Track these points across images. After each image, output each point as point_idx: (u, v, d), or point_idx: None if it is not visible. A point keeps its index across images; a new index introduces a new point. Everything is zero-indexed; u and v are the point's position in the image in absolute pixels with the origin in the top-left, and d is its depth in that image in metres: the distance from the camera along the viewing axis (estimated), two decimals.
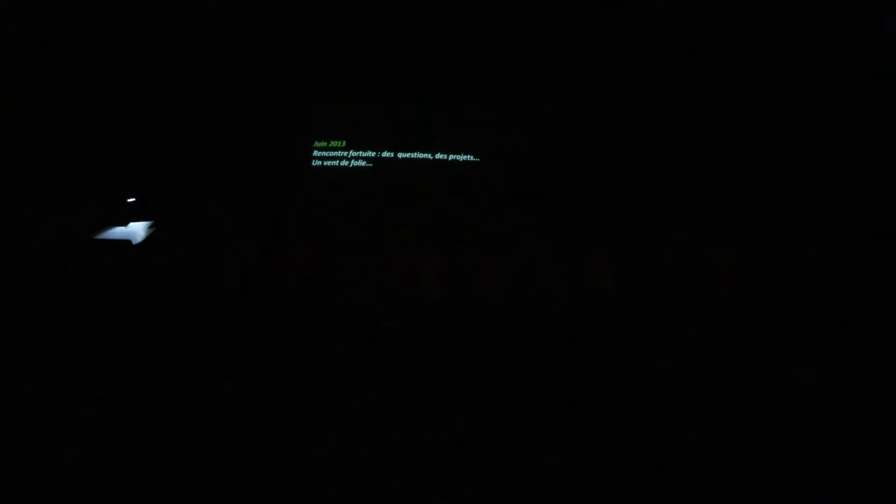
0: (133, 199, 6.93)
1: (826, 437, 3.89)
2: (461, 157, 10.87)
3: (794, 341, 7.67)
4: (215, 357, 6.30)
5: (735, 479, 3.03)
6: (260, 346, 6.43)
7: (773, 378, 6.13)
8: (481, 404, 4.75)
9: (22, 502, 2.55)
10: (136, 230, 3.62)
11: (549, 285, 6.57)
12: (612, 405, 4.73)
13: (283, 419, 4.13)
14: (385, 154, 10.81)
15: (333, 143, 10.84)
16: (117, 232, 3.66)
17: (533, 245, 7.74)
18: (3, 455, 2.93)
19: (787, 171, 9.06)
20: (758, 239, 7.34)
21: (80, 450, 3.08)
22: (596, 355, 6.52)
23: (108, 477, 2.82)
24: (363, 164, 10.71)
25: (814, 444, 3.62)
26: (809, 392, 5.66)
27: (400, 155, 10.81)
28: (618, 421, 4.17)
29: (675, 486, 2.94)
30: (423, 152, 11.11)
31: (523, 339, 7.59)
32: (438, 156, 10.88)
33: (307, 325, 6.38)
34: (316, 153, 10.64)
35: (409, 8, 8.71)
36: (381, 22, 9.05)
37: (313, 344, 6.75)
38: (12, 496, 2.58)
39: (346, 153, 10.79)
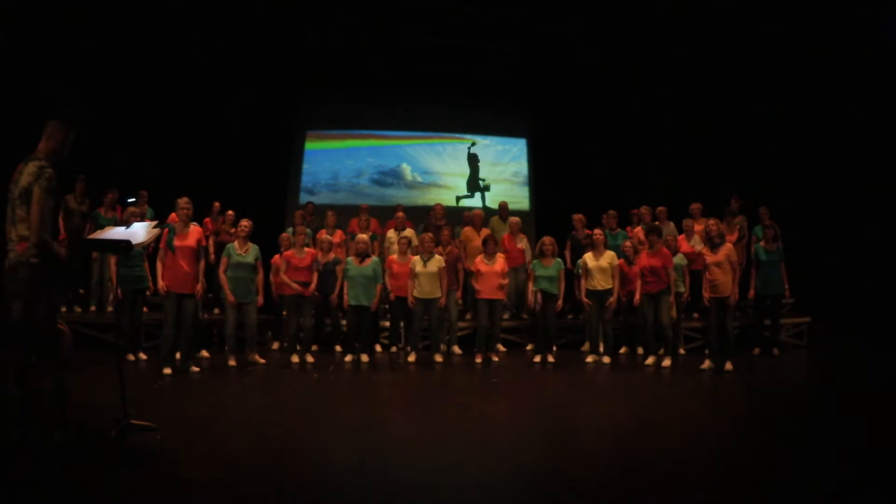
0: (133, 199, 6.96)
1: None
2: (462, 154, 10.89)
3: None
4: (214, 355, 6.34)
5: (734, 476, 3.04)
6: (259, 344, 6.44)
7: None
8: (481, 402, 4.75)
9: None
10: (136, 230, 3.60)
11: (548, 285, 6.57)
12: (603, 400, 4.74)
13: (282, 418, 4.14)
14: (384, 151, 10.84)
15: (333, 144, 10.86)
16: (117, 232, 3.65)
17: (532, 244, 7.74)
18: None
19: (787, 169, 9.08)
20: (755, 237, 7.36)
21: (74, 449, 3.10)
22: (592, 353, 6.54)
23: (107, 475, 2.83)
24: (362, 161, 10.73)
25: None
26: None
27: (400, 152, 10.84)
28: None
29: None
30: (426, 149, 11.09)
31: (522, 337, 7.62)
32: (439, 152, 10.90)
33: (306, 324, 6.38)
34: (315, 151, 10.67)
35: (409, 4, 8.70)
36: (380, 18, 9.03)
37: (313, 342, 6.78)
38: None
39: (345, 151, 10.81)
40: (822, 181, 8.76)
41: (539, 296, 6.49)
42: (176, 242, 5.53)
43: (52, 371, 3.13)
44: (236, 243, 6.03)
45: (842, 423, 4.16)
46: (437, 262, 6.47)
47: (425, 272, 6.41)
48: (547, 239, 6.63)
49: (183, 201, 5.65)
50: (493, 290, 6.50)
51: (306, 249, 6.43)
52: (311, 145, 10.73)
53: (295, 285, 6.23)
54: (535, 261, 6.67)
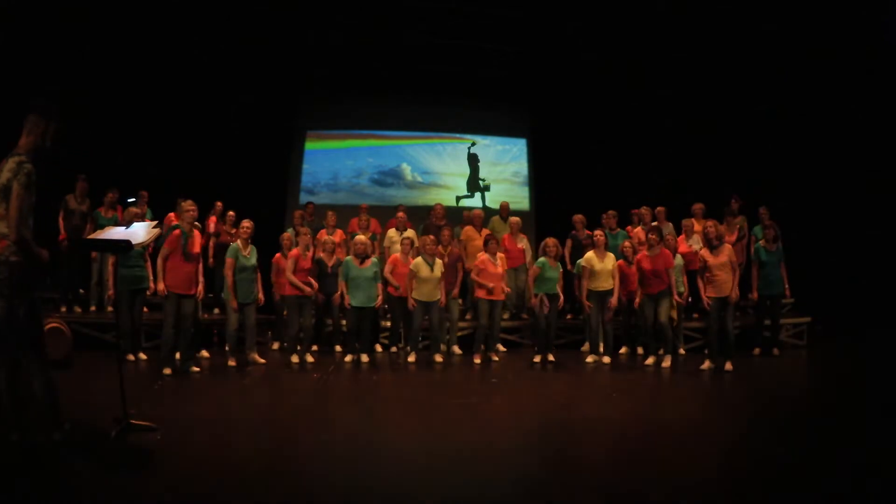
0: (133, 199, 6.95)
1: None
2: (462, 154, 10.88)
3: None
4: (214, 355, 6.34)
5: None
6: (259, 344, 6.45)
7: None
8: (481, 402, 4.75)
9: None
10: (136, 230, 3.61)
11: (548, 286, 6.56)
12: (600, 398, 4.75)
13: (282, 418, 4.15)
14: (384, 151, 10.83)
15: (333, 144, 10.85)
16: (117, 232, 3.65)
17: (533, 244, 7.73)
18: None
19: (787, 169, 9.09)
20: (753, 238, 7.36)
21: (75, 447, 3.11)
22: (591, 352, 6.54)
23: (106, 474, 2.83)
24: (362, 161, 10.72)
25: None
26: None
27: (400, 152, 10.83)
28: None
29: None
30: (426, 149, 11.09)
31: (522, 337, 7.62)
32: (439, 152, 10.89)
33: (307, 324, 6.37)
34: (315, 151, 10.66)
35: (409, 4, 8.69)
36: (380, 18, 9.03)
37: (313, 342, 6.78)
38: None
39: (345, 151, 10.81)
40: (822, 181, 8.76)
41: (546, 299, 6.45)
42: None
43: (40, 371, 3.08)
44: (239, 243, 6.03)
45: (842, 423, 4.16)
46: (441, 266, 6.50)
47: (431, 277, 6.40)
48: (551, 240, 6.57)
49: (187, 204, 5.64)
50: (498, 291, 6.53)
51: (307, 252, 6.43)
52: (311, 145, 10.71)
53: (308, 289, 6.18)
54: (542, 259, 6.51)
